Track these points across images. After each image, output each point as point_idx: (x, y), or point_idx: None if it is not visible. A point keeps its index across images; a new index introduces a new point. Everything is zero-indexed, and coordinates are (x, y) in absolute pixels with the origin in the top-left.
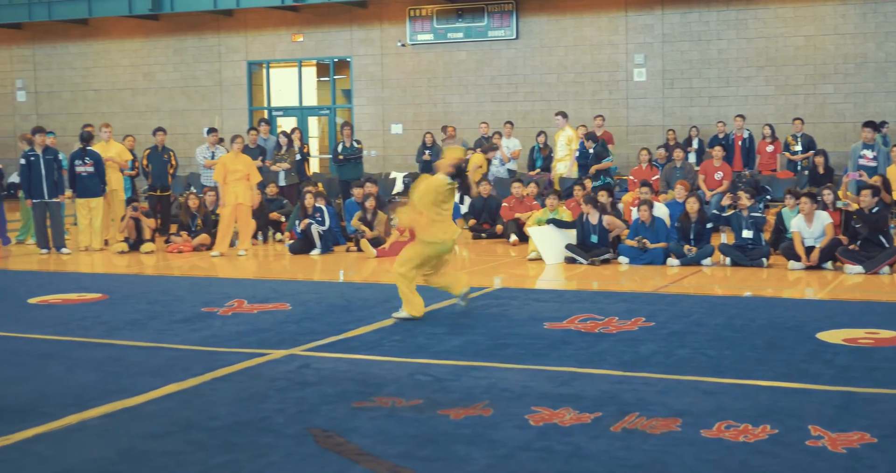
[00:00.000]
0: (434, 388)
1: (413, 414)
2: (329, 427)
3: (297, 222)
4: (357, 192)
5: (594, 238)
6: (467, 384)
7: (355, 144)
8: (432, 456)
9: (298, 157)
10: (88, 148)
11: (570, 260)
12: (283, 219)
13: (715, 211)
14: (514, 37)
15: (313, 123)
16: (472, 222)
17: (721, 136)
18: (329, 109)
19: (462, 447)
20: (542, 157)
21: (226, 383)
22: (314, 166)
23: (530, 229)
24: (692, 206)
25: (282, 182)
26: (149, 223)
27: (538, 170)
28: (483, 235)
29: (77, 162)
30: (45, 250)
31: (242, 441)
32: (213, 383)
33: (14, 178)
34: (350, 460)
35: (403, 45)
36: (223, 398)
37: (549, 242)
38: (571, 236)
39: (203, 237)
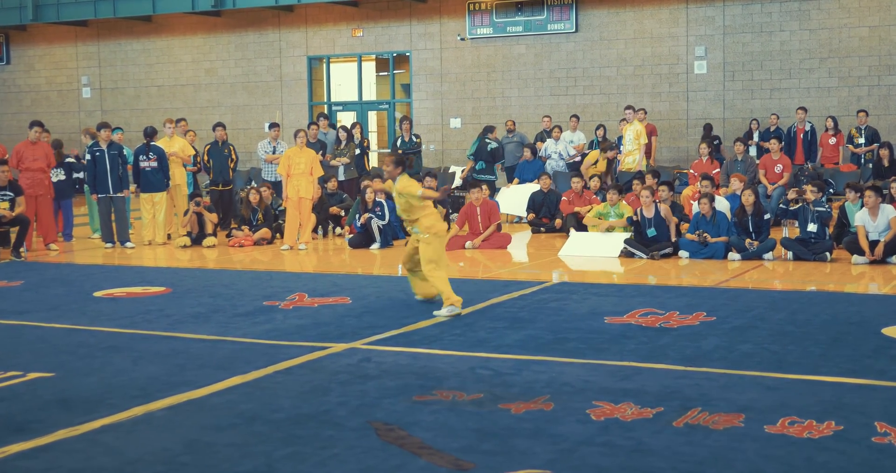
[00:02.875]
0: (495, 382)
1: (474, 408)
2: (390, 420)
3: (357, 216)
4: None
5: (651, 232)
6: (528, 379)
7: (414, 139)
8: (494, 450)
9: (358, 151)
10: (152, 143)
11: (628, 254)
12: (342, 213)
13: (781, 205)
14: (573, 30)
15: (372, 118)
16: (531, 216)
17: (773, 128)
18: (388, 103)
19: (523, 441)
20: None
21: (288, 376)
22: (374, 161)
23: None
24: (748, 199)
25: (342, 177)
26: (211, 218)
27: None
28: (542, 229)
29: (141, 157)
30: (109, 245)
31: (305, 434)
32: (276, 376)
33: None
34: (412, 453)
35: (463, 40)
36: (286, 391)
37: (590, 246)
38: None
39: (264, 232)
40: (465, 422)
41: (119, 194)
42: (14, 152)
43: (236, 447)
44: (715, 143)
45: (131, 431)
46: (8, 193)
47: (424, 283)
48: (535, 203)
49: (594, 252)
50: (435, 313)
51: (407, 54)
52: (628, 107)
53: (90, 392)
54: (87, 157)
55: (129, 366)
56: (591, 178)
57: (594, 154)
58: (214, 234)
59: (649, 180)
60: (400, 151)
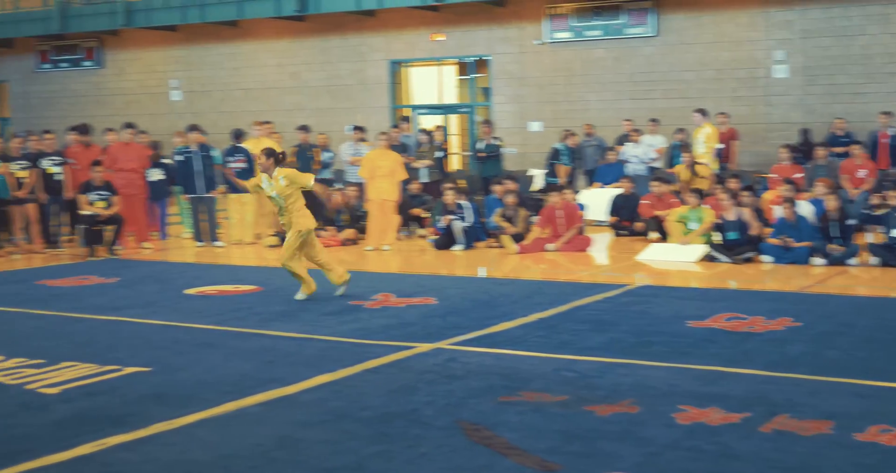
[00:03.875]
0: (580, 384)
1: (559, 410)
2: (477, 420)
3: (439, 217)
4: (498, 188)
5: (732, 235)
6: (612, 381)
7: (495, 142)
8: (580, 452)
9: (440, 154)
10: (240, 145)
11: (710, 258)
12: (425, 215)
13: (864, 210)
14: (653, 34)
15: (453, 121)
16: (612, 219)
17: (841, 134)
18: (468, 106)
19: (610, 443)
20: (680, 154)
21: (375, 374)
22: (454, 163)
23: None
24: (831, 203)
25: (424, 179)
26: None
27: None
28: (623, 232)
29: (229, 158)
30: (200, 243)
31: (394, 432)
32: (364, 374)
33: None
34: (499, 453)
35: (542, 44)
36: (374, 390)
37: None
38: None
39: (349, 232)
40: (550, 424)
41: (208, 195)
42: (109, 153)
43: (326, 443)
44: (803, 147)
45: (225, 426)
46: (104, 192)
47: (330, 272)
48: (615, 206)
49: (673, 258)
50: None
51: (486, 58)
52: (697, 110)
53: (185, 387)
54: (179, 158)
55: (222, 362)
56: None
57: (684, 172)
58: None
59: (731, 183)
60: (482, 154)
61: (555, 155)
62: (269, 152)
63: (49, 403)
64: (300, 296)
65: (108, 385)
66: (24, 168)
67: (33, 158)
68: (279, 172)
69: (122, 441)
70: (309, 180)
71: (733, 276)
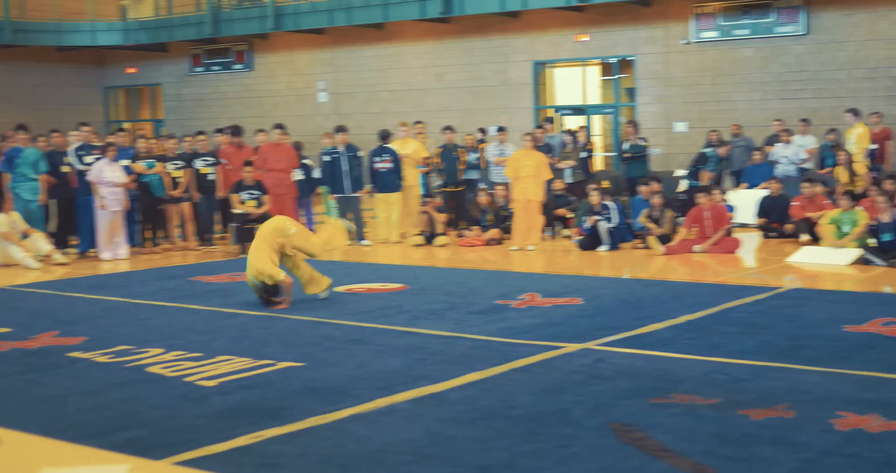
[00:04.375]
0: (732, 387)
1: (712, 413)
2: (628, 421)
3: (584, 218)
4: (644, 189)
5: (887, 237)
6: (766, 385)
7: (641, 142)
8: (735, 456)
9: (584, 154)
10: (386, 145)
11: (865, 262)
12: (569, 215)
13: None
14: (803, 33)
15: (596, 122)
16: (760, 220)
17: None
18: (612, 107)
19: (765, 448)
20: (832, 155)
21: (524, 374)
22: (598, 164)
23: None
24: None
25: (568, 179)
26: (440, 218)
27: (829, 169)
28: (772, 234)
29: (376, 159)
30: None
31: (544, 431)
32: (512, 373)
33: (316, 174)
34: (651, 455)
35: (687, 43)
36: (522, 389)
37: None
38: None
39: (494, 232)
40: (703, 426)
41: (355, 194)
42: (259, 154)
43: (477, 441)
44: None
45: (377, 421)
46: (254, 192)
47: (311, 284)
48: (763, 208)
49: (826, 261)
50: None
51: (631, 58)
52: (849, 110)
53: (337, 383)
54: (326, 158)
55: (372, 359)
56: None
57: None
58: (445, 233)
59: (887, 184)
60: (627, 155)
61: (701, 159)
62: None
63: (207, 395)
64: (324, 294)
65: (263, 379)
66: (179, 168)
67: (188, 159)
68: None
69: (277, 434)
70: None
71: (889, 280)
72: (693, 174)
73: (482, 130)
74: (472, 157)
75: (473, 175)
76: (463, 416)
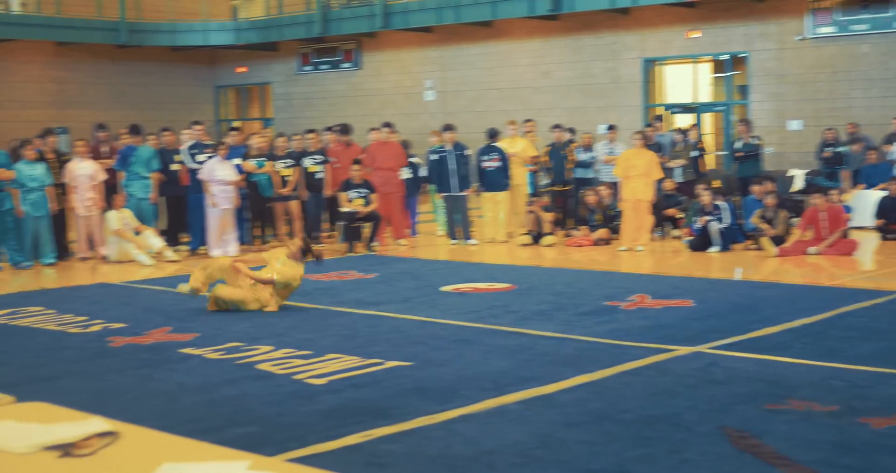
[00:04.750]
0: (850, 394)
1: (830, 420)
2: (742, 427)
3: (694, 218)
4: (757, 189)
5: None
6: (887, 393)
7: (754, 141)
8: (855, 466)
9: (695, 153)
10: (494, 144)
11: None
12: (679, 215)
13: None
14: None
15: (707, 120)
16: (878, 222)
17: None
18: (724, 105)
19: (888, 458)
20: None
21: (634, 377)
22: (709, 163)
23: None
24: None
25: (678, 178)
26: (547, 218)
27: None
28: (892, 236)
29: (484, 157)
30: (454, 241)
31: (656, 436)
32: (622, 376)
33: (423, 172)
34: (767, 463)
35: (802, 39)
36: (633, 392)
37: None
38: None
39: (602, 232)
40: (821, 434)
41: (462, 193)
42: (367, 152)
43: (587, 444)
44: None
45: (485, 422)
46: (363, 190)
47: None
48: (883, 208)
49: None
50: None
51: (743, 55)
52: None
53: (445, 383)
54: (433, 157)
55: (480, 359)
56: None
57: None
58: (553, 233)
59: None
60: (740, 154)
61: (837, 159)
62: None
63: (317, 393)
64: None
65: (371, 378)
66: (288, 167)
67: (297, 157)
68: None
69: (387, 433)
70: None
71: None
72: (830, 176)
73: (571, 130)
74: (587, 155)
75: (588, 174)
76: (572, 419)
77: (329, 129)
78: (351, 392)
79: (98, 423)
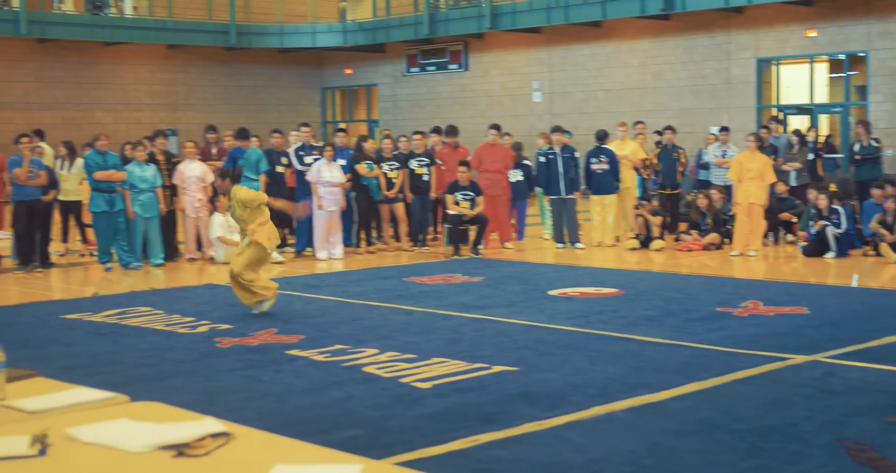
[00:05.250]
0: None
1: None
2: (861, 440)
3: (810, 223)
4: (877, 193)
5: None
6: None
7: (873, 144)
8: None
9: (811, 156)
10: (603, 146)
11: None
12: (794, 220)
13: None
14: None
15: (823, 121)
16: None
17: None
18: (841, 106)
19: None
20: None
21: (747, 385)
22: (826, 166)
23: None
24: None
25: (793, 182)
26: (655, 221)
27: None
28: None
29: (592, 160)
30: (560, 245)
31: (770, 447)
32: (734, 384)
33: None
34: None
35: None
36: (746, 401)
37: None
38: None
39: (713, 236)
40: None
41: (570, 196)
42: (475, 154)
43: (699, 454)
44: None
45: (594, 429)
46: (469, 192)
47: (244, 292)
48: None
49: None
50: (254, 311)
51: (862, 54)
52: None
53: (552, 388)
54: (541, 159)
55: (587, 365)
56: None
57: None
58: (662, 237)
59: None
60: (858, 157)
61: None
62: (223, 173)
63: (422, 397)
64: (258, 310)
65: (477, 382)
66: (394, 169)
67: (404, 160)
68: (235, 191)
69: (493, 439)
70: (257, 198)
71: None
72: None
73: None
74: (706, 157)
75: (706, 177)
76: (683, 427)
77: (435, 131)
78: (457, 397)
79: (211, 423)
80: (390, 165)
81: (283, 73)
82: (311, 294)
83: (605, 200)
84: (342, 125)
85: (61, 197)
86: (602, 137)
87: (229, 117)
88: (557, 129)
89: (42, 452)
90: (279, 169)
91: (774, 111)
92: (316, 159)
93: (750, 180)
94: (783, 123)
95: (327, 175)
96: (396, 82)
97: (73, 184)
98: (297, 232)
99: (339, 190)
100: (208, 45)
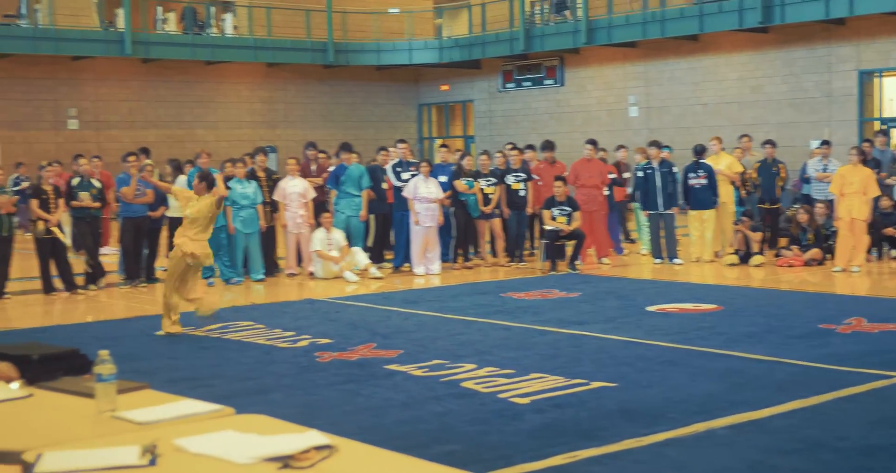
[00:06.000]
0: None
1: None
2: None
3: None
4: None
5: None
6: None
7: None
8: None
9: None
10: (701, 161)
11: None
12: None
13: None
14: None
15: None
16: None
17: None
18: None
19: None
20: None
21: (852, 403)
22: None
23: None
24: None
25: None
26: (755, 237)
27: None
28: None
29: (690, 175)
30: (658, 260)
31: (876, 466)
32: (838, 402)
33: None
34: None
35: None
36: (851, 419)
37: None
38: None
39: (814, 252)
40: None
41: (668, 211)
42: (571, 169)
43: None
44: None
45: (694, 446)
46: (566, 208)
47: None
48: None
49: None
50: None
51: None
52: None
53: (651, 405)
54: (639, 174)
55: (687, 381)
56: None
57: None
58: (762, 253)
59: None
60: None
61: None
62: (203, 176)
63: (521, 412)
64: (162, 332)
65: (576, 398)
66: (491, 184)
67: (500, 175)
68: (204, 198)
69: (592, 455)
70: (211, 213)
71: None
72: None
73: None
74: (810, 170)
75: (808, 191)
76: (786, 446)
77: (530, 146)
78: (555, 412)
79: (316, 436)
80: (487, 180)
81: (380, 89)
82: (409, 309)
83: (704, 215)
84: (442, 141)
85: (169, 213)
86: (700, 151)
87: (327, 134)
88: (655, 143)
89: (152, 462)
90: (384, 185)
91: (877, 124)
92: (413, 176)
93: (852, 194)
94: (887, 136)
95: (424, 191)
96: (492, 98)
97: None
98: (394, 248)
99: (437, 206)
100: (307, 63)
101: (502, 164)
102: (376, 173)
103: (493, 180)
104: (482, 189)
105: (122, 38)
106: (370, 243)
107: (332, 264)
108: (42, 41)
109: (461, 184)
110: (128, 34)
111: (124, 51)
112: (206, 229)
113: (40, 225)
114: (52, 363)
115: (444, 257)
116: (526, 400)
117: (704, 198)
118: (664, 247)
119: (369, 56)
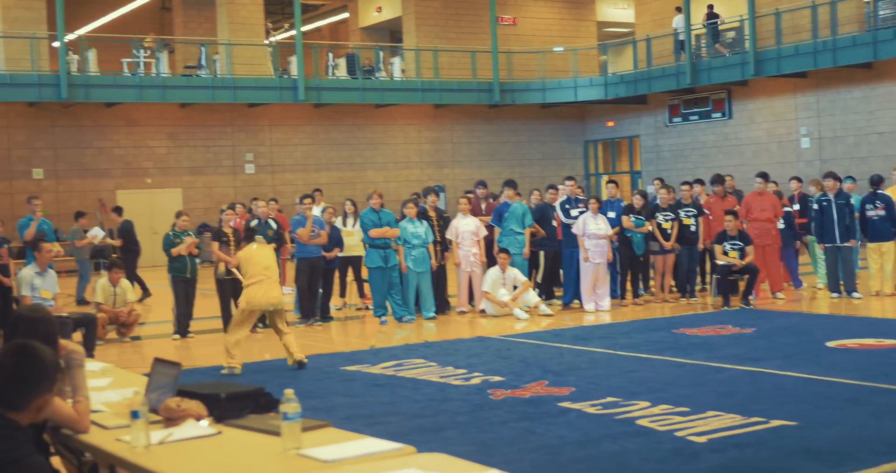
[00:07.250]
0: None
1: None
2: None
3: None
4: None
5: None
6: None
7: None
8: None
9: None
10: (879, 191)
11: None
12: None
13: None
14: None
15: None
16: None
17: None
18: None
19: None
20: None
21: None
22: None
23: None
24: None
25: None
26: None
27: None
28: None
29: (868, 206)
30: (835, 295)
31: None
32: None
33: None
34: None
35: None
36: None
37: None
38: None
39: None
40: None
41: (846, 244)
42: (743, 203)
43: None
44: None
45: None
46: (737, 242)
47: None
48: None
49: None
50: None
51: None
52: None
53: (835, 444)
54: (815, 206)
55: (873, 420)
56: None
57: None
58: None
59: None
60: None
61: None
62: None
63: (699, 452)
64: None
65: (755, 437)
66: (668, 220)
67: (674, 210)
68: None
69: None
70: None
71: None
72: None
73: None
74: None
75: None
76: None
77: (699, 180)
78: (734, 452)
79: None
80: (665, 215)
81: (545, 127)
82: (580, 346)
83: (883, 247)
84: (609, 177)
85: (343, 253)
86: (877, 181)
87: (493, 173)
88: (831, 174)
89: None
90: (553, 223)
91: None
92: (581, 212)
93: None
94: None
95: (592, 227)
96: (659, 133)
97: (356, 240)
98: (564, 285)
99: (605, 242)
100: (473, 104)
101: (672, 199)
102: (546, 211)
103: (671, 214)
104: (660, 224)
105: (295, 84)
106: (539, 279)
107: (503, 305)
108: (220, 90)
109: (627, 220)
110: (301, 81)
111: (297, 97)
112: (248, 276)
113: (221, 266)
114: (239, 401)
115: (614, 294)
116: (703, 439)
117: (883, 229)
118: (842, 281)
119: (534, 95)
